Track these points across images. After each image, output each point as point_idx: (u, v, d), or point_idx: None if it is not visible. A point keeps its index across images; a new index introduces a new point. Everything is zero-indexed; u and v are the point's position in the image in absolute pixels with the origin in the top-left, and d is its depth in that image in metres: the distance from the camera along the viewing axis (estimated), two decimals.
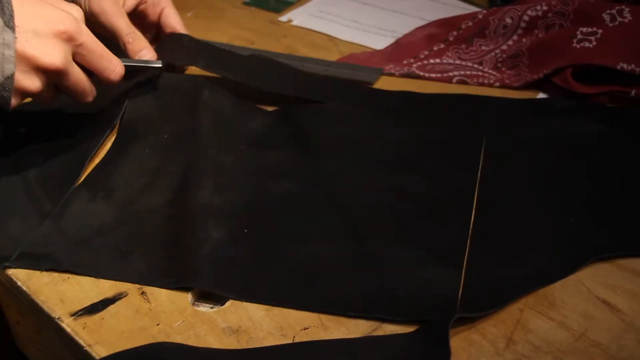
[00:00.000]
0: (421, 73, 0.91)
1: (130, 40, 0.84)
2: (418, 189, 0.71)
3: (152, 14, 0.91)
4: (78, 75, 0.71)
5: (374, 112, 0.84)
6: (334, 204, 0.69)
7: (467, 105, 0.84)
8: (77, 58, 0.70)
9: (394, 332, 0.56)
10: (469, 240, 0.64)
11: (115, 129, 0.81)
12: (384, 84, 0.90)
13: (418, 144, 0.77)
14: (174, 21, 0.91)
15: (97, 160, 0.76)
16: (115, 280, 0.62)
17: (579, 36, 0.86)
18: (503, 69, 0.91)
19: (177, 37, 0.90)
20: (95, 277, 0.62)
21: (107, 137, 0.79)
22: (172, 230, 0.66)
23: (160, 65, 0.83)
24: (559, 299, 0.58)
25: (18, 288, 0.62)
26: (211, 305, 0.59)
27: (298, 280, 0.61)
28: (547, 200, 0.69)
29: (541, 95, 0.87)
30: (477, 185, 0.71)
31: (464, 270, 0.61)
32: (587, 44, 0.84)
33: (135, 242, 0.65)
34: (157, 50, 0.87)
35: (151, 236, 0.66)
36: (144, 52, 0.84)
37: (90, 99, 0.74)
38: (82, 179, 0.73)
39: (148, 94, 0.85)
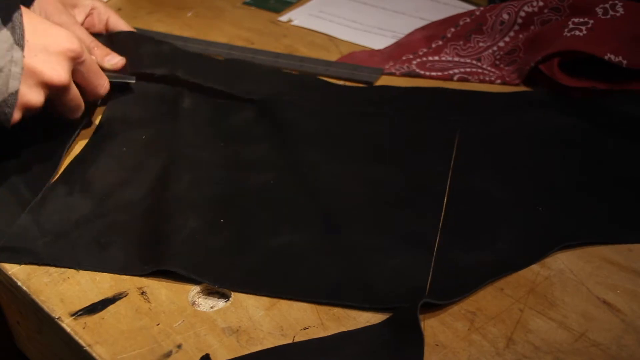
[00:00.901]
0: (422, 72, 0.91)
1: (94, 47, 0.87)
2: (392, 179, 0.72)
3: (99, 24, 0.95)
4: (75, 91, 0.74)
5: (350, 107, 0.85)
6: (309, 194, 0.70)
7: (441, 98, 0.86)
8: (76, 74, 0.74)
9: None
10: (439, 229, 0.65)
11: (92, 127, 0.82)
12: (384, 83, 0.90)
13: (393, 136, 0.79)
14: (122, 28, 0.95)
15: (73, 156, 0.77)
16: (95, 270, 0.62)
17: (570, 26, 0.86)
18: (502, 65, 0.91)
19: (152, 42, 0.94)
20: (75, 268, 0.63)
21: (80, 129, 0.81)
22: (150, 220, 0.67)
23: (134, 81, 0.85)
24: (559, 299, 0.58)
25: (18, 288, 0.62)
26: (211, 305, 0.59)
27: (272, 267, 0.62)
28: (516, 190, 0.70)
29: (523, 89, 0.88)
30: (449, 175, 0.72)
31: (433, 258, 0.62)
32: (577, 32, 0.84)
33: (113, 233, 0.66)
34: (133, 58, 0.90)
35: (129, 227, 0.67)
36: (109, 57, 0.88)
37: (80, 114, 0.77)
38: (59, 173, 0.74)
39: (128, 98, 0.86)
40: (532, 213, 0.67)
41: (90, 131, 0.81)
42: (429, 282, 0.59)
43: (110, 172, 0.75)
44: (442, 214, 0.67)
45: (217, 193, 0.71)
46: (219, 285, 0.60)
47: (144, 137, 0.80)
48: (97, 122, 0.83)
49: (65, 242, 0.65)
